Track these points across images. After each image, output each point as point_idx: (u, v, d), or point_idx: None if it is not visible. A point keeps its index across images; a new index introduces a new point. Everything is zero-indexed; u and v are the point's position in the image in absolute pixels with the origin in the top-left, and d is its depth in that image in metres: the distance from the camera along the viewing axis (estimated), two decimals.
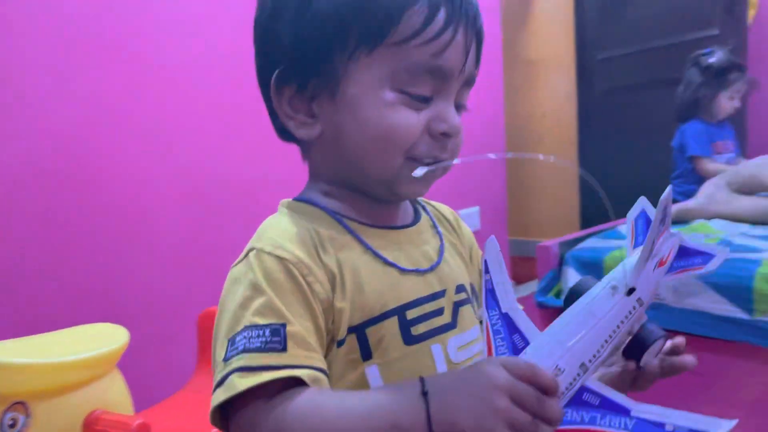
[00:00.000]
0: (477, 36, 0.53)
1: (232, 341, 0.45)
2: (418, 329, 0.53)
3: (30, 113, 1.23)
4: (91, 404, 0.76)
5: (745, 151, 2.40)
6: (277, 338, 0.45)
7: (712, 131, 2.09)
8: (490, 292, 0.45)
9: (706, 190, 1.56)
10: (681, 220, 1.53)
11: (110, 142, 1.37)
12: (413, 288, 0.54)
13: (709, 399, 1.14)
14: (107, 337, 0.80)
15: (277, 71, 0.52)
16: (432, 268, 0.56)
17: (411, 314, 0.53)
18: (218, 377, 0.45)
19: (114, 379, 0.81)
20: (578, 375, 0.42)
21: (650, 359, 0.49)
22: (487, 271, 0.45)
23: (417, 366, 0.52)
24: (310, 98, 0.52)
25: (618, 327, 0.44)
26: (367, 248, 0.53)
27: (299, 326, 0.46)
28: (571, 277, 1.28)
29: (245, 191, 1.64)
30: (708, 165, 2.03)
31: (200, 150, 1.54)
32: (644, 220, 0.53)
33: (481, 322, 0.47)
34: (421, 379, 0.42)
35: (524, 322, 0.44)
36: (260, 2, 0.55)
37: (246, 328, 0.45)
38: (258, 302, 0.46)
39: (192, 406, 1.00)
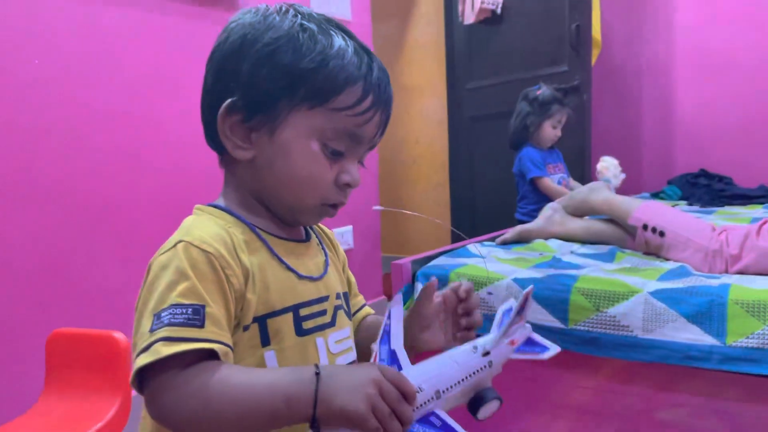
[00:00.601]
0: (388, 116, 0.68)
1: (158, 316, 0.54)
2: (308, 324, 0.66)
3: None
4: None
5: (588, 177, 2.67)
6: (197, 317, 0.54)
7: (544, 155, 2.34)
8: (386, 333, 0.57)
9: (545, 213, 1.73)
10: (523, 240, 1.69)
11: None
12: (306, 291, 0.67)
13: (534, 401, 1.27)
14: None
15: (230, 99, 0.61)
16: (320, 277, 0.69)
17: (303, 312, 0.65)
18: (142, 345, 0.53)
19: None
20: (432, 398, 0.56)
21: (485, 414, 0.62)
22: (389, 317, 0.58)
23: (305, 354, 0.65)
24: (250, 128, 0.62)
25: (470, 375, 0.61)
26: (274, 254, 0.65)
27: (215, 309, 0.55)
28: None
29: (102, 207, 1.61)
30: (548, 184, 2.27)
31: (49, 162, 1.50)
32: (509, 312, 0.70)
33: (369, 351, 0.58)
34: (316, 365, 0.53)
35: (404, 358, 0.57)
36: (228, 34, 0.63)
37: (171, 306, 0.54)
38: (183, 285, 0.55)
39: (34, 428, 0.99)
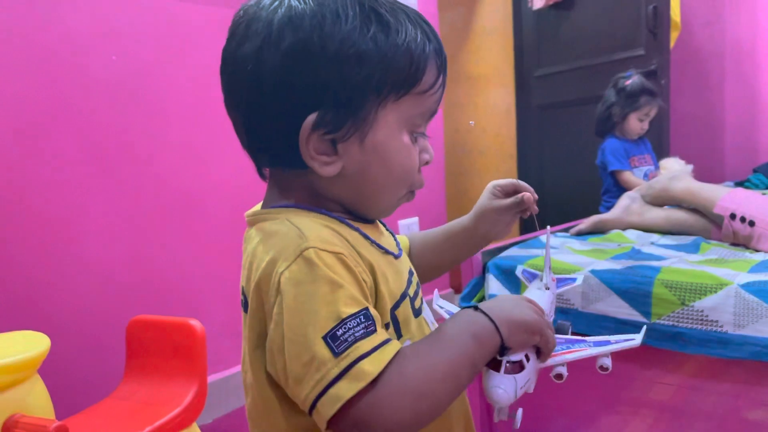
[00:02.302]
0: None
1: (333, 337, 0.47)
2: (416, 303, 0.64)
3: None
4: (11, 409, 0.77)
5: None
6: (369, 321, 0.49)
7: (628, 147, 2.23)
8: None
9: (622, 202, 1.66)
10: (598, 231, 1.62)
11: (39, 149, 1.37)
12: (403, 270, 0.64)
13: (613, 398, 1.22)
14: (27, 344, 0.82)
15: (313, 115, 0.53)
16: (401, 253, 0.66)
17: (410, 292, 0.63)
18: (333, 373, 0.47)
19: (34, 384, 0.82)
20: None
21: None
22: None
23: (423, 333, 0.62)
24: (335, 140, 0.54)
25: (550, 305, 0.73)
26: (372, 242, 0.60)
27: (372, 308, 0.52)
28: (492, 283, 1.35)
29: (177, 202, 1.66)
30: (628, 177, 2.16)
31: (132, 158, 1.55)
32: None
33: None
34: (467, 307, 0.56)
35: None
36: (268, 39, 0.53)
37: (343, 321, 0.48)
38: (341, 294, 0.49)
39: (118, 412, 1.02)
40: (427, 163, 0.62)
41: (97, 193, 1.48)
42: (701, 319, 1.06)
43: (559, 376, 0.62)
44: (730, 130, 3.01)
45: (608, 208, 2.18)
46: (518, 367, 0.55)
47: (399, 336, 0.58)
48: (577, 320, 1.21)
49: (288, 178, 0.59)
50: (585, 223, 1.63)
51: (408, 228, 2.48)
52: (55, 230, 1.40)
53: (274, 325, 0.50)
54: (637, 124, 2.20)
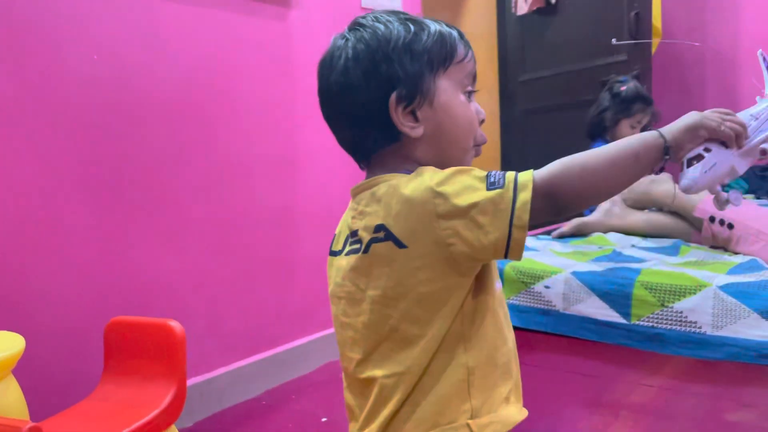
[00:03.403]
0: None
1: (480, 179, 0.64)
2: None
3: None
4: None
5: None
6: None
7: None
8: None
9: (603, 206, 1.67)
10: (580, 233, 1.63)
11: (14, 145, 1.35)
12: None
13: (594, 399, 1.23)
14: (1, 344, 0.81)
15: (394, 92, 0.70)
16: None
17: None
18: (490, 193, 0.63)
19: (8, 385, 0.81)
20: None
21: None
22: None
23: None
24: (413, 109, 0.71)
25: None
26: None
27: None
28: None
29: (160, 198, 1.64)
30: None
31: (108, 155, 1.54)
32: None
33: None
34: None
35: None
36: (359, 46, 0.72)
37: (487, 174, 0.65)
38: (475, 172, 0.65)
39: (95, 414, 1.01)
40: (482, 121, 0.77)
41: (74, 190, 1.46)
42: (680, 320, 1.07)
43: (764, 151, 0.74)
44: None
45: (592, 211, 2.21)
46: (696, 159, 0.70)
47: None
48: (558, 322, 1.22)
49: (386, 155, 0.74)
50: (567, 226, 1.65)
51: None
52: (31, 227, 1.38)
53: (455, 209, 0.62)
54: (628, 130, 2.21)
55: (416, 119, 0.72)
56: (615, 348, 1.19)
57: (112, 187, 1.53)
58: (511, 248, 0.61)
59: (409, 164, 0.74)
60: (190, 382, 1.69)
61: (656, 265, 1.22)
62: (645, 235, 1.59)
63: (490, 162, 3.59)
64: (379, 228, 0.67)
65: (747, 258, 1.25)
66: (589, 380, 1.25)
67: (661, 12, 2.75)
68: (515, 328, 1.30)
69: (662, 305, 1.09)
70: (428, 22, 0.75)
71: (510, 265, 1.31)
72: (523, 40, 3.19)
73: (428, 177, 0.65)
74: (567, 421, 1.28)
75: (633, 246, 1.48)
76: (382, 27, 0.74)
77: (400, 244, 0.64)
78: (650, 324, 1.10)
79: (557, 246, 1.50)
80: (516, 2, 3.12)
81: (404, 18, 0.76)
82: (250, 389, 1.86)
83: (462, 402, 0.65)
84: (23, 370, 0.91)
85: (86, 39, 1.47)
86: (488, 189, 0.62)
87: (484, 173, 0.65)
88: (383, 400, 0.67)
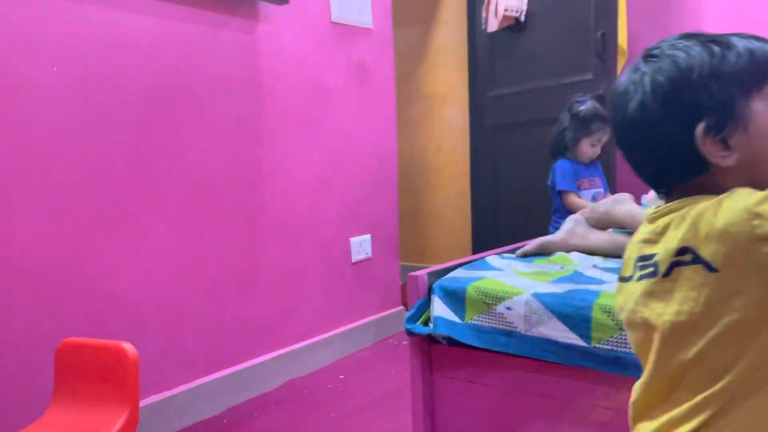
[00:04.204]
0: None
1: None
2: None
3: None
4: None
5: (614, 188, 2.61)
6: None
7: (579, 169, 2.27)
8: None
9: (566, 225, 1.68)
10: (544, 252, 1.64)
11: None
12: None
13: (552, 420, 1.23)
14: None
15: (702, 124, 0.66)
16: None
17: None
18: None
19: None
20: None
21: None
22: None
23: None
24: (724, 137, 0.67)
25: None
26: None
27: None
28: (437, 305, 1.35)
29: (119, 211, 1.61)
30: (572, 199, 2.21)
31: (68, 163, 1.50)
32: None
33: None
34: None
35: None
36: (657, 77, 0.69)
37: None
38: None
39: None
40: None
41: (27, 200, 1.42)
42: None
43: None
44: None
45: (557, 228, 2.22)
46: None
47: None
48: (521, 343, 1.22)
49: (691, 185, 0.70)
50: (531, 245, 1.65)
51: (360, 245, 2.47)
52: None
53: None
54: (589, 148, 2.25)
55: (727, 147, 0.67)
56: (577, 369, 1.19)
57: (68, 197, 1.49)
58: None
59: (718, 193, 0.66)
60: (149, 400, 1.65)
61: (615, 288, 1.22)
62: (608, 255, 1.60)
63: (459, 176, 3.61)
64: (684, 251, 0.63)
65: None
66: (549, 401, 1.25)
67: (626, 32, 2.80)
68: (477, 349, 1.30)
69: (620, 329, 1.10)
70: (735, 39, 0.70)
71: (472, 286, 1.31)
72: (492, 55, 3.22)
73: (743, 197, 0.60)
74: None
75: (594, 266, 1.49)
76: (682, 54, 0.69)
77: (710, 268, 0.59)
78: (610, 347, 1.11)
79: (520, 266, 1.50)
80: (486, 19, 3.14)
81: (705, 39, 0.70)
82: (212, 407, 1.83)
83: None
84: None
85: (49, 48, 1.44)
86: None
87: None
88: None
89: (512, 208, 3.25)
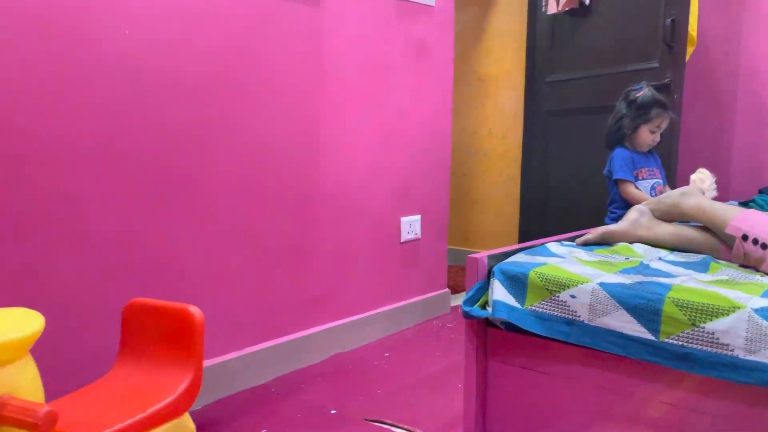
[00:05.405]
0: None
1: None
2: None
3: None
4: (0, 389, 0.74)
5: (673, 180, 2.53)
6: None
7: (637, 158, 2.21)
8: None
9: (630, 216, 1.63)
10: (605, 242, 1.60)
11: (45, 121, 1.34)
12: None
13: (616, 415, 1.20)
14: (21, 323, 0.79)
15: None
16: None
17: None
18: None
19: (26, 365, 0.79)
20: None
21: None
22: None
23: None
24: None
25: None
26: None
27: None
28: (497, 288, 1.32)
29: (181, 180, 1.62)
30: (630, 189, 2.15)
31: (132, 126, 1.52)
32: None
33: None
34: None
35: None
36: None
37: None
38: None
39: (108, 397, 0.99)
40: None
41: (98, 171, 1.44)
42: (712, 342, 1.03)
43: None
44: (737, 149, 2.99)
45: (614, 219, 2.17)
46: None
47: None
48: (583, 333, 1.19)
49: None
50: (592, 234, 1.61)
51: (410, 225, 2.45)
52: (51, 203, 1.36)
53: None
54: (648, 135, 2.18)
55: None
56: (636, 363, 1.15)
57: (134, 167, 1.51)
58: None
59: None
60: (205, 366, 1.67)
61: (687, 282, 1.18)
62: (672, 248, 1.55)
63: (509, 162, 3.55)
64: None
65: None
66: (605, 393, 1.22)
67: (697, 20, 2.69)
68: (534, 336, 1.27)
69: (693, 324, 1.05)
70: None
71: (535, 271, 1.28)
72: (552, 39, 3.14)
73: None
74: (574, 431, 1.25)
75: (660, 259, 1.44)
76: None
77: None
78: (680, 343, 1.07)
79: (582, 254, 1.46)
80: (547, 1, 3.06)
81: None
82: (260, 375, 1.86)
83: None
84: (38, 345, 0.89)
85: (119, 13, 1.45)
86: None
87: None
88: None
89: (562, 197, 3.18)
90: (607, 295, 1.15)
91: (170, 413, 0.97)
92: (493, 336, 1.38)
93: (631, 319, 1.12)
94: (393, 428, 1.54)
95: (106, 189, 1.46)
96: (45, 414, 0.70)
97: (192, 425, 1.04)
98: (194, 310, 1.03)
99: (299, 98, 1.92)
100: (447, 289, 2.74)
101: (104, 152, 1.45)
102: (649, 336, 1.10)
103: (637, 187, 2.18)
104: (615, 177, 2.20)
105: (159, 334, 1.05)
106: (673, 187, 2.40)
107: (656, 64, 2.66)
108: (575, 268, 1.29)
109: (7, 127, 1.27)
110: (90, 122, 1.42)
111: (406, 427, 1.54)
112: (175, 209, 1.61)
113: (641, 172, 2.22)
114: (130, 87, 1.48)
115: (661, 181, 2.26)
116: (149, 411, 0.93)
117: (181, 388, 0.99)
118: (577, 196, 3.08)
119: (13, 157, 1.28)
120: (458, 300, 2.92)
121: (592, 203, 2.90)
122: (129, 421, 0.90)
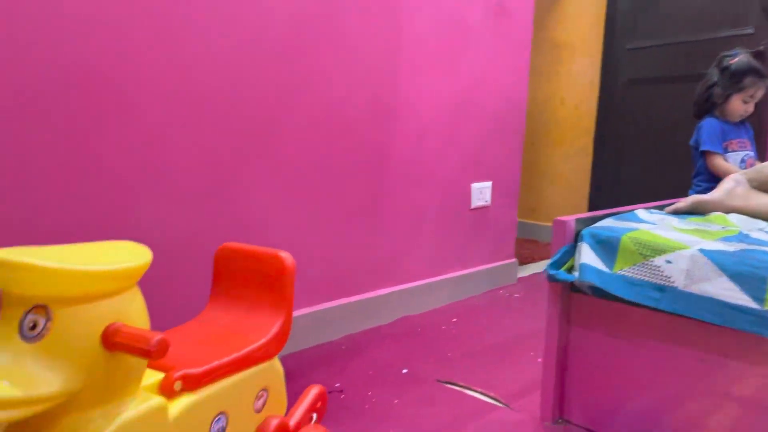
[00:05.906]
0: None
1: None
2: None
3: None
4: (112, 317, 0.76)
5: (764, 153, 2.39)
6: None
7: (727, 129, 2.09)
8: None
9: (725, 185, 1.55)
10: (698, 211, 1.53)
11: (123, 63, 1.36)
12: None
13: (707, 389, 1.15)
14: (131, 254, 0.80)
15: None
16: None
17: None
18: None
19: (134, 296, 0.81)
20: None
21: None
22: None
23: None
24: None
25: None
26: None
27: None
28: (585, 252, 1.28)
29: (266, 127, 1.64)
30: (718, 161, 2.04)
31: (220, 81, 1.53)
32: None
33: None
34: None
35: None
36: None
37: None
38: None
39: (202, 336, 1.01)
40: None
41: (187, 125, 1.47)
42: None
43: None
44: None
45: (698, 192, 2.07)
46: None
47: None
48: (676, 299, 1.14)
49: None
50: (683, 202, 1.54)
51: (480, 192, 2.41)
52: (147, 151, 1.39)
53: None
54: (740, 105, 2.07)
55: None
56: (732, 334, 1.10)
57: (222, 124, 1.53)
58: None
59: None
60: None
61: None
62: None
63: (582, 132, 3.44)
64: None
65: None
66: (696, 365, 1.17)
67: None
68: (620, 302, 1.23)
69: None
70: None
71: (628, 236, 1.23)
72: (636, 3, 2.99)
73: None
74: (664, 405, 1.21)
75: (760, 230, 1.36)
76: None
77: None
78: None
79: (675, 221, 1.40)
80: None
81: None
82: (331, 332, 1.88)
83: None
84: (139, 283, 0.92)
85: None
86: None
87: None
88: None
89: (638, 169, 3.07)
90: (709, 261, 1.10)
91: (263, 355, 0.98)
92: (576, 301, 1.35)
93: (734, 286, 1.07)
94: (466, 390, 1.53)
95: (195, 143, 1.48)
96: (158, 342, 0.71)
97: (281, 369, 1.05)
98: (285, 255, 1.04)
99: (377, 58, 1.90)
100: (515, 259, 2.69)
101: (195, 110, 1.47)
102: (753, 305, 1.05)
103: (726, 160, 2.08)
104: (702, 148, 2.10)
105: (250, 278, 1.07)
106: (763, 160, 2.28)
107: (751, 30, 2.50)
108: (671, 234, 1.23)
109: (109, 75, 1.30)
110: (178, 81, 1.43)
111: (479, 390, 1.52)
112: (258, 165, 1.62)
113: (731, 143, 2.10)
114: (215, 50, 1.49)
115: (752, 153, 2.14)
116: (244, 350, 0.95)
117: (274, 330, 1.01)
118: (654, 169, 2.97)
119: (112, 106, 1.31)
120: (524, 271, 2.87)
121: (672, 178, 2.79)
122: (226, 359, 0.92)
